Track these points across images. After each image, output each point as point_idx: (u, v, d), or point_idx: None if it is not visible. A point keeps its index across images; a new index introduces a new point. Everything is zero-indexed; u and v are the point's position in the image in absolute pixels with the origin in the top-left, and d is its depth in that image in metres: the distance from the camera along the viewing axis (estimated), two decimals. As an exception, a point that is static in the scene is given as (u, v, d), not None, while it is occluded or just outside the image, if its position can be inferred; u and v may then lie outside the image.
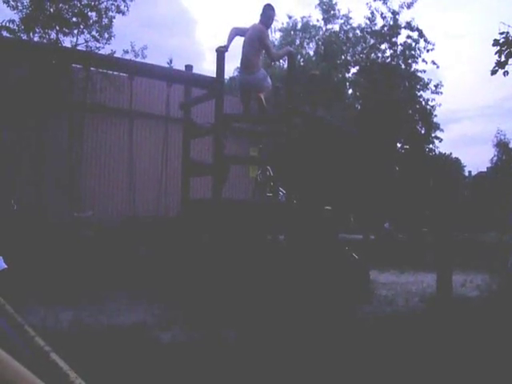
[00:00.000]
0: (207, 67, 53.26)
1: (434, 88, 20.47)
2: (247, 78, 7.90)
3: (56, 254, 7.41)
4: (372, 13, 20.10)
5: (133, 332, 5.01)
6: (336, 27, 22.56)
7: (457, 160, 31.12)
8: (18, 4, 11.18)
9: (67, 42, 11.71)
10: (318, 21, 23.24)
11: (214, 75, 7.37)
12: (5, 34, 10.80)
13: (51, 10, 11.31)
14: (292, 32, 23.90)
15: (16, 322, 1.63)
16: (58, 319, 5.32)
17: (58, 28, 11.38)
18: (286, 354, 4.42)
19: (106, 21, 12.12)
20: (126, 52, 12.39)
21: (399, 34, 19.99)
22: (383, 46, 20.36)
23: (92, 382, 1.35)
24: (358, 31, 21.52)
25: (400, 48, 20.18)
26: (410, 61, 20.24)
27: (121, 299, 6.59)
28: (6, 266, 2.53)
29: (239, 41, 7.87)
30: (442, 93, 20.60)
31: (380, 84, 19.01)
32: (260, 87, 7.90)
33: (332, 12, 22.65)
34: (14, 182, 10.49)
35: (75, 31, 11.78)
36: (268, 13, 7.72)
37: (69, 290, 6.45)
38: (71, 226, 9.13)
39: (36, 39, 11.10)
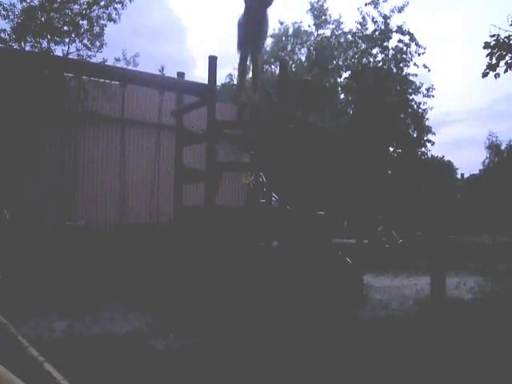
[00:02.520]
0: (199, 74, 53.27)
1: (425, 91, 20.59)
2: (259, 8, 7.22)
3: (48, 262, 7.39)
4: (363, 17, 20.21)
5: (127, 340, 4.99)
6: (327, 32, 22.69)
7: (449, 163, 31.26)
8: (9, 13, 11.20)
9: (59, 50, 11.74)
10: (309, 26, 23.37)
11: (206, 82, 7.39)
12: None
13: (42, 19, 11.34)
14: (283, 38, 23.98)
15: (9, 332, 1.64)
16: (52, 329, 5.30)
17: (49, 37, 11.40)
18: (281, 358, 4.43)
19: (97, 29, 12.15)
20: (118, 60, 12.42)
21: (390, 38, 20.10)
22: (375, 51, 20.47)
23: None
24: (349, 36, 21.63)
25: (391, 52, 20.28)
26: (401, 65, 20.33)
27: (115, 308, 6.55)
28: (-1, 277, 2.53)
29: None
30: (433, 96, 20.72)
31: (372, 88, 19.08)
32: (264, 30, 7.51)
33: (323, 17, 22.77)
34: (7, 191, 10.45)
35: (67, 40, 11.82)
36: None
37: (62, 298, 6.42)
38: (63, 234, 9.11)
39: (27, 48, 11.13)
